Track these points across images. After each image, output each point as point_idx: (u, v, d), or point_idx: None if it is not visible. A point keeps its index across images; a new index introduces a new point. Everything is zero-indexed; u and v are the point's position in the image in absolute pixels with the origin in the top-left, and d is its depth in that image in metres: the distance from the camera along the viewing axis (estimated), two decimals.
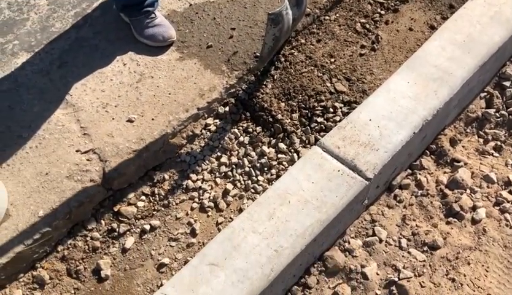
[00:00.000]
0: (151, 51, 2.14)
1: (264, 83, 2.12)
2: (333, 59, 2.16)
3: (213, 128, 2.02)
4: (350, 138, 1.65)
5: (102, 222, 1.81)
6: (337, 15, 2.31)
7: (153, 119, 1.94)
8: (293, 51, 2.20)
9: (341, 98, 2.04)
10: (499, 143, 1.90)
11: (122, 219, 1.82)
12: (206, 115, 2.03)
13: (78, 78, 2.06)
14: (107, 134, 1.90)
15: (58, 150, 1.85)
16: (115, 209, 1.83)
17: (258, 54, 2.11)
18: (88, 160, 1.83)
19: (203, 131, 2.02)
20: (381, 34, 2.23)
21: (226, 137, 2.00)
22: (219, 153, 1.97)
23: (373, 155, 1.59)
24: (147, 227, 1.79)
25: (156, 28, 2.12)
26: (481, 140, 1.93)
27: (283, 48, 2.19)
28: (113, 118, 1.95)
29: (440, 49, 1.83)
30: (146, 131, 1.91)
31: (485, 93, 2.01)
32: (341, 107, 2.01)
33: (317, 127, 1.98)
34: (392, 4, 2.33)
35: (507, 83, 2.01)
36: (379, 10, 2.32)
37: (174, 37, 2.15)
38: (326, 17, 2.30)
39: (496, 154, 1.89)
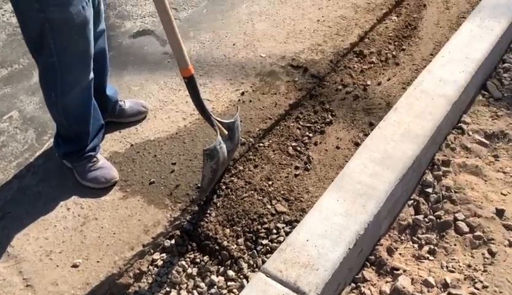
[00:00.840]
0: (94, 194, 2.20)
1: (208, 211, 2.20)
2: (270, 182, 2.29)
3: (160, 262, 2.04)
4: (291, 260, 1.72)
5: None
6: (270, 141, 2.50)
7: (98, 261, 1.94)
8: (232, 178, 2.32)
9: (282, 219, 2.13)
10: (432, 247, 2.02)
11: None
12: (152, 251, 2.05)
13: (20, 228, 2.06)
14: (51, 283, 1.87)
15: None
16: None
17: (200, 185, 2.22)
18: None
19: (150, 267, 2.03)
20: (312, 154, 2.41)
21: (173, 271, 2.01)
22: (168, 289, 1.97)
23: (314, 275, 1.66)
24: None
25: (98, 171, 2.21)
26: (416, 245, 2.04)
27: (223, 177, 2.31)
28: (57, 266, 1.93)
29: (362, 166, 2.00)
30: (92, 275, 1.90)
31: (412, 201, 2.17)
32: (283, 227, 2.10)
33: (263, 250, 2.04)
34: (318, 127, 2.56)
35: (429, 190, 2.19)
36: (307, 133, 2.54)
37: (117, 177, 2.23)
38: (261, 144, 2.48)
39: (431, 258, 1.99)
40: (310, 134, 2.53)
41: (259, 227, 2.12)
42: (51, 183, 2.25)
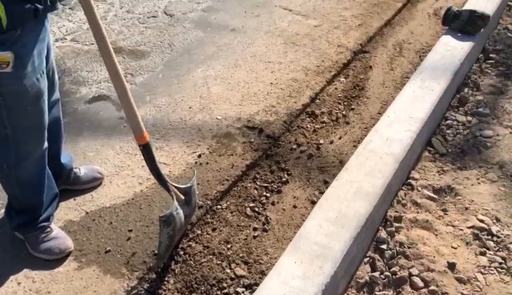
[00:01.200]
0: (47, 265, 2.13)
1: (166, 278, 2.16)
2: (229, 245, 2.29)
3: None
4: None
5: None
6: (228, 202, 2.52)
7: None
8: (190, 243, 2.31)
9: (241, 283, 2.12)
10: None
11: None
12: None
13: None
14: None
15: None
16: None
17: (157, 251, 2.19)
18: None
19: None
20: (269, 214, 2.45)
21: None
22: None
23: None
24: None
25: (52, 241, 2.15)
26: None
27: (180, 242, 2.30)
28: None
29: (318, 227, 2.05)
30: None
31: (368, 258, 2.22)
32: (243, 292, 2.09)
33: None
34: (275, 186, 2.61)
35: (384, 246, 2.25)
36: (264, 193, 2.58)
37: (71, 247, 2.18)
38: (218, 206, 2.50)
39: None
40: (268, 194, 2.57)
41: (218, 292, 2.10)
42: (1, 256, 2.16)
